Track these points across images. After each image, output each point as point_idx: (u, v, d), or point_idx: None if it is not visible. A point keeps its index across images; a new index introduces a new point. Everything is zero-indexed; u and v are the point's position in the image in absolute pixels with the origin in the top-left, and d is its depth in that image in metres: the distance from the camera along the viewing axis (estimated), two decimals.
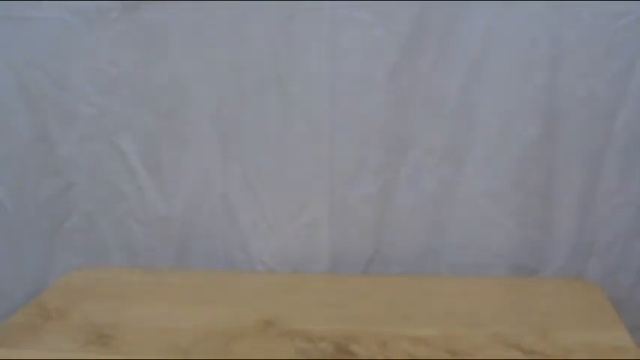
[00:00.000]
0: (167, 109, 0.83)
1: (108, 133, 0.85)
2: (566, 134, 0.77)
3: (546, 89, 0.75)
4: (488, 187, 0.82)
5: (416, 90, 0.77)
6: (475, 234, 0.84)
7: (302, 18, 0.75)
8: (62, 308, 0.78)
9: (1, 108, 0.82)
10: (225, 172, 0.86)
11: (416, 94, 0.77)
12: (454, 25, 0.74)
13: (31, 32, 0.79)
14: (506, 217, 0.83)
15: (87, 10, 0.78)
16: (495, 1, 0.72)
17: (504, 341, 0.68)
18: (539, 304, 0.76)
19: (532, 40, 0.73)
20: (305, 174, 0.83)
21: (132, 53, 0.80)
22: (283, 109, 0.80)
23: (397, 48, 0.75)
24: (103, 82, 0.82)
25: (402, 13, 0.73)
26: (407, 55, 0.75)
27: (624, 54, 0.72)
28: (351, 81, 0.77)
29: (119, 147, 0.86)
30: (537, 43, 0.73)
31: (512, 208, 0.82)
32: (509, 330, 0.70)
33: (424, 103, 0.78)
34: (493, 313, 0.74)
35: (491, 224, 0.83)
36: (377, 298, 0.79)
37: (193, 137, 0.84)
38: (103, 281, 0.86)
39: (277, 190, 0.85)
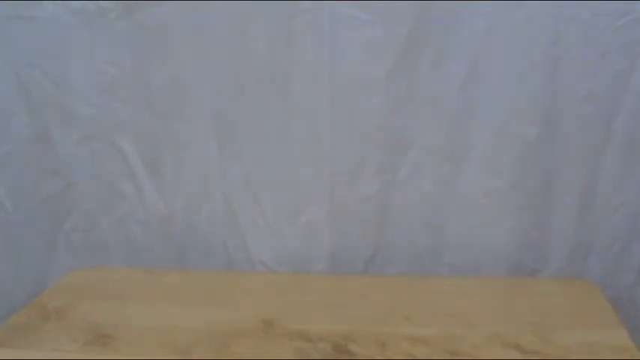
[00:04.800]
0: (167, 109, 0.83)
1: (108, 133, 0.85)
2: (566, 134, 0.77)
3: (546, 89, 0.75)
4: (488, 187, 0.82)
5: (415, 90, 0.77)
6: (475, 234, 0.84)
7: (302, 18, 0.75)
8: (62, 308, 0.78)
9: (1, 108, 0.82)
10: (225, 172, 0.86)
11: (415, 94, 0.77)
12: (454, 25, 0.74)
13: (31, 32, 0.79)
14: (506, 217, 0.83)
15: (87, 10, 0.78)
16: (495, 1, 0.72)
17: (504, 341, 0.68)
18: (539, 304, 0.76)
19: (532, 40, 0.73)
20: (305, 174, 0.83)
21: (132, 53, 0.80)
22: (283, 109, 0.80)
23: (397, 48, 0.75)
24: (103, 82, 0.82)
25: (402, 13, 0.73)
26: (406, 55, 0.75)
27: (624, 54, 0.72)
28: (350, 81, 0.77)
29: (119, 147, 0.86)
30: (537, 43, 0.73)
31: (512, 208, 0.82)
32: (509, 330, 0.70)
33: (424, 103, 0.78)
34: (493, 313, 0.74)
35: (491, 224, 0.83)
36: (376, 298, 0.79)
37: (193, 137, 0.84)
38: (103, 281, 0.86)
39: (277, 190, 0.85)
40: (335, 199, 0.84)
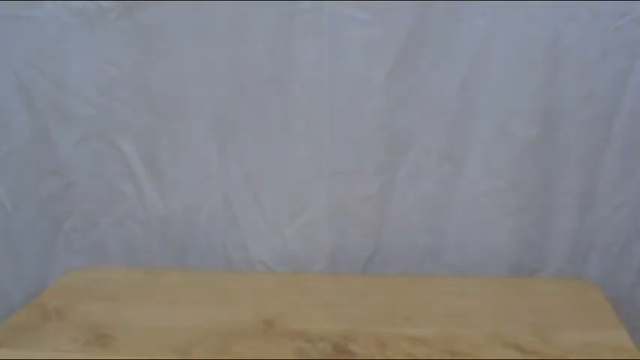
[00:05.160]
0: (167, 109, 0.83)
1: (108, 133, 0.85)
2: (566, 134, 0.77)
3: (545, 89, 0.75)
4: (487, 187, 0.82)
5: (415, 90, 0.77)
6: (475, 234, 0.84)
7: (302, 18, 0.75)
8: (62, 308, 0.78)
9: (1, 108, 0.82)
10: (225, 172, 0.86)
11: (415, 94, 0.77)
12: (454, 25, 0.74)
13: (31, 32, 0.79)
14: (506, 217, 0.83)
15: (87, 10, 0.78)
16: (495, 1, 0.72)
17: (503, 341, 0.68)
18: (539, 304, 0.76)
19: (532, 40, 0.73)
20: (304, 174, 0.83)
21: (132, 53, 0.80)
22: (283, 109, 0.80)
23: (397, 48, 0.75)
24: (103, 82, 0.82)
25: (402, 13, 0.73)
26: (406, 55, 0.75)
27: (623, 54, 0.72)
28: (350, 81, 0.77)
29: (119, 147, 0.86)
30: (537, 43, 0.73)
31: (511, 208, 0.82)
32: (509, 330, 0.70)
33: (424, 103, 0.78)
34: (492, 313, 0.74)
35: (490, 224, 0.83)
36: (376, 298, 0.79)
37: (193, 137, 0.84)
38: (103, 281, 0.86)
39: (277, 190, 0.85)
40: (335, 199, 0.84)
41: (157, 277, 0.86)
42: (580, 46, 0.72)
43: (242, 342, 0.70)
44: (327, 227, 0.86)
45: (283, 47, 0.76)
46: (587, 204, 0.81)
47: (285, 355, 0.67)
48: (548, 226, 0.83)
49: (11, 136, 0.83)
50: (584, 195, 0.80)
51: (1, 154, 0.82)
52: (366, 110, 0.79)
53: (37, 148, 0.85)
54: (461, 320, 0.72)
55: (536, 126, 0.77)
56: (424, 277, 0.86)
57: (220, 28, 0.77)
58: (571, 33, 0.71)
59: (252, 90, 0.80)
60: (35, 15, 0.78)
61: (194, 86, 0.81)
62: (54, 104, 0.83)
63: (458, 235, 0.85)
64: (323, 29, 0.75)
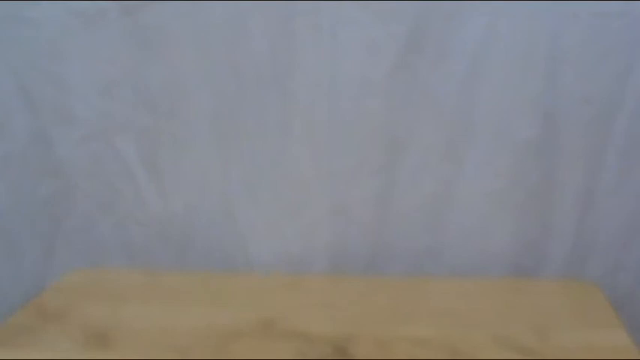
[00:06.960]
0: (167, 110, 0.83)
1: (107, 134, 0.85)
2: (566, 134, 0.77)
3: (545, 89, 0.75)
4: (487, 187, 0.82)
5: (415, 90, 0.77)
6: (475, 234, 0.84)
7: (302, 18, 0.75)
8: (61, 309, 0.78)
9: (1, 108, 0.82)
10: (225, 172, 0.86)
11: (415, 94, 0.77)
12: (454, 24, 0.74)
13: (31, 32, 0.79)
14: (506, 217, 0.83)
15: (86, 10, 0.78)
16: (495, 1, 0.72)
17: (503, 341, 0.68)
18: (539, 304, 0.76)
19: (531, 40, 0.73)
20: (304, 174, 0.83)
21: (132, 53, 0.80)
22: (283, 109, 0.80)
23: (397, 48, 0.75)
24: (103, 83, 0.82)
25: (402, 13, 0.73)
26: (406, 55, 0.75)
27: (623, 54, 0.72)
28: (350, 81, 0.77)
29: (119, 147, 0.86)
30: (537, 43, 0.73)
31: (511, 208, 0.82)
32: (509, 330, 0.70)
33: (424, 103, 0.78)
34: (492, 314, 0.74)
35: (490, 224, 0.83)
36: (376, 298, 0.79)
37: (193, 137, 0.84)
38: (102, 282, 0.86)
39: (277, 190, 0.85)
40: (335, 200, 0.84)
41: (157, 278, 0.86)
42: (579, 46, 0.72)
43: (242, 342, 0.70)
44: (327, 227, 0.86)
45: (283, 47, 0.76)
46: (587, 204, 0.81)
47: (285, 355, 0.67)
48: (548, 226, 0.83)
49: (11, 136, 0.83)
50: (584, 195, 0.80)
51: (1, 154, 0.82)
52: (366, 110, 0.79)
53: (37, 148, 0.85)
54: (460, 320, 0.72)
55: (536, 126, 0.77)
56: (424, 278, 0.86)
57: (220, 28, 0.77)
58: (570, 33, 0.71)
59: (251, 90, 0.80)
60: (35, 15, 0.78)
61: (194, 86, 0.81)
62: (54, 104, 0.83)
63: (458, 236, 0.85)
64: (323, 29, 0.75)
